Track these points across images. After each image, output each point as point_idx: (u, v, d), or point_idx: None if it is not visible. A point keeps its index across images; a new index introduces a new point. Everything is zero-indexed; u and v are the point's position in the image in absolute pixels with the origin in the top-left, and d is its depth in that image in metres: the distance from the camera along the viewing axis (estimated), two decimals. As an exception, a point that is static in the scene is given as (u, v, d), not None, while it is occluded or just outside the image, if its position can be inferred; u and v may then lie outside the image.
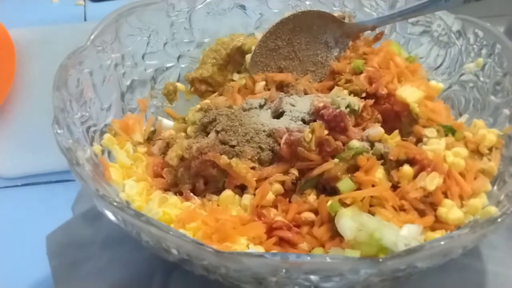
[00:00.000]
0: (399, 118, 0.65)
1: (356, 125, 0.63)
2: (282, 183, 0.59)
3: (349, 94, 0.65)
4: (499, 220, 0.49)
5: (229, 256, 0.46)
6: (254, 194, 0.58)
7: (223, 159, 0.59)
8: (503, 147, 0.62)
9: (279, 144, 0.60)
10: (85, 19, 1.13)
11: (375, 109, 0.65)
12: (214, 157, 0.59)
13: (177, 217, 0.56)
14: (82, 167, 0.55)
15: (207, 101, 0.69)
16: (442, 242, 0.47)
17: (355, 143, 0.60)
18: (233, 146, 0.60)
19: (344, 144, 0.60)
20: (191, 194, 0.60)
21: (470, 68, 0.69)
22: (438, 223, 0.57)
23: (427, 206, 0.57)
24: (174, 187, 0.62)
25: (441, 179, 0.58)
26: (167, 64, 0.76)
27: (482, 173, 0.61)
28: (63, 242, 0.67)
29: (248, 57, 0.72)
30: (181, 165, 0.61)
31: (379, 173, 0.59)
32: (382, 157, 0.60)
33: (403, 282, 0.59)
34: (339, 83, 0.68)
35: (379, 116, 0.65)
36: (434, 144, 0.61)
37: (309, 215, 0.58)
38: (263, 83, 0.69)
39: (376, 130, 0.62)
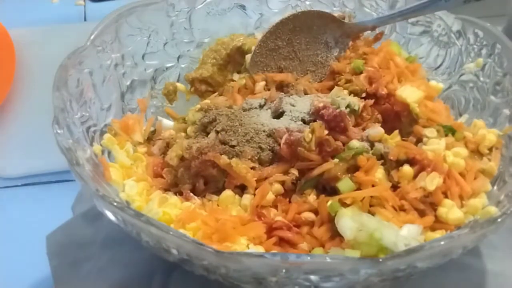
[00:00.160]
0: (399, 118, 0.65)
1: (356, 125, 0.63)
2: (282, 183, 0.59)
3: (349, 94, 0.65)
4: (499, 220, 0.49)
5: (229, 256, 0.46)
6: (254, 194, 0.58)
7: (223, 159, 0.59)
8: (503, 147, 0.62)
9: (279, 144, 0.60)
10: (85, 19, 1.13)
11: (375, 109, 0.65)
12: (214, 157, 0.59)
13: (177, 217, 0.56)
14: (82, 167, 0.55)
15: (207, 101, 0.69)
16: (442, 242, 0.47)
17: (355, 143, 0.60)
18: (233, 146, 0.60)
19: (344, 144, 0.60)
20: (191, 194, 0.60)
21: (470, 68, 0.69)
22: (438, 223, 0.57)
23: (427, 206, 0.57)
24: (174, 187, 0.62)
25: (441, 179, 0.58)
26: (167, 64, 0.76)
27: (482, 173, 0.61)
28: (63, 242, 0.67)
29: (248, 57, 0.72)
30: (181, 165, 0.61)
31: (379, 173, 0.59)
32: (382, 157, 0.60)
33: (403, 282, 0.59)
34: (339, 83, 0.68)
35: (379, 116, 0.65)
36: (434, 144, 0.61)
37: (309, 215, 0.58)
38: (263, 83, 0.69)
39: (376, 130, 0.62)
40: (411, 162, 0.59)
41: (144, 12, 0.72)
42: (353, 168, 0.59)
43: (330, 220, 0.56)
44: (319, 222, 0.57)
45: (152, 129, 0.69)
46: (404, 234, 0.54)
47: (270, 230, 0.56)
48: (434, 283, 0.60)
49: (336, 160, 0.59)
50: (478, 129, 0.63)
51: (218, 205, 0.59)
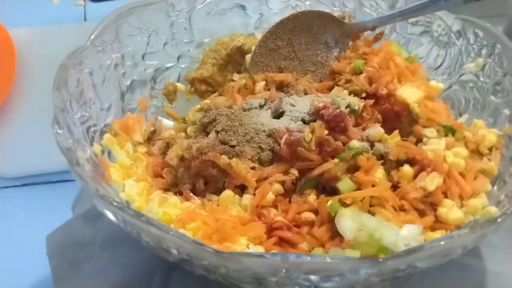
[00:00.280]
0: (399, 118, 0.65)
1: (356, 125, 0.63)
2: (282, 183, 0.59)
3: (349, 94, 0.65)
4: (499, 220, 0.49)
5: (229, 256, 0.46)
6: (254, 194, 0.58)
7: (223, 159, 0.59)
8: (503, 147, 0.62)
9: (279, 144, 0.60)
10: (85, 19, 1.13)
11: (375, 109, 0.65)
12: (214, 157, 0.59)
13: (177, 217, 0.56)
14: (82, 167, 0.55)
15: (207, 101, 0.69)
16: (442, 242, 0.47)
17: (355, 143, 0.60)
18: (233, 146, 0.60)
19: (344, 144, 0.60)
20: (191, 194, 0.60)
21: (470, 68, 0.69)
22: (438, 223, 0.57)
23: (427, 206, 0.57)
24: (174, 187, 0.62)
25: (441, 179, 0.58)
26: (167, 64, 0.76)
27: (482, 173, 0.61)
28: (63, 242, 0.67)
29: (248, 57, 0.72)
30: (181, 165, 0.61)
31: (379, 173, 0.59)
32: (382, 157, 0.60)
33: (403, 282, 0.59)
34: (339, 83, 0.68)
35: (379, 116, 0.65)
36: (434, 144, 0.61)
37: (309, 215, 0.57)
38: (263, 83, 0.69)
39: (376, 130, 0.62)
40: (411, 162, 0.59)
41: (144, 12, 0.72)
42: (353, 168, 0.59)
43: (330, 220, 0.56)
44: (319, 222, 0.57)
45: (152, 129, 0.69)
46: (404, 234, 0.54)
47: (270, 230, 0.56)
48: (434, 283, 0.60)
49: (336, 160, 0.59)
50: (478, 129, 0.63)
51: (218, 205, 0.59)
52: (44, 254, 0.66)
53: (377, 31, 0.74)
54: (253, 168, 0.59)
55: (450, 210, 0.57)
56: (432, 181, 0.57)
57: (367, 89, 0.65)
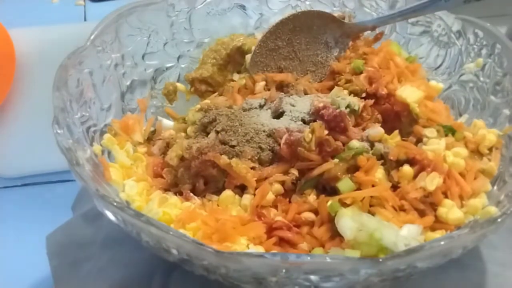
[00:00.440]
0: (399, 118, 0.65)
1: (356, 125, 0.63)
2: (282, 183, 0.59)
3: (349, 94, 0.65)
4: (499, 220, 0.49)
5: (229, 256, 0.46)
6: (254, 194, 0.58)
7: (223, 159, 0.59)
8: (503, 147, 0.62)
9: (279, 144, 0.60)
10: (85, 19, 1.13)
11: (375, 109, 0.65)
12: (214, 157, 0.59)
13: (177, 217, 0.56)
14: (82, 167, 0.55)
15: (207, 101, 0.69)
16: (442, 242, 0.47)
17: (355, 143, 0.60)
18: (233, 146, 0.60)
19: (344, 144, 0.60)
20: (191, 194, 0.60)
21: (470, 68, 0.69)
22: (438, 223, 0.57)
23: (427, 206, 0.57)
24: (174, 187, 0.62)
25: (441, 179, 0.58)
26: (167, 64, 0.76)
27: (482, 173, 0.61)
28: (63, 242, 0.67)
29: (248, 57, 0.72)
30: (181, 165, 0.61)
31: (379, 173, 0.59)
32: (382, 157, 0.60)
33: (403, 282, 0.59)
34: (339, 83, 0.68)
35: (379, 116, 0.65)
36: (434, 144, 0.61)
37: (309, 215, 0.57)
38: (263, 83, 0.69)
39: (376, 130, 0.62)
40: (411, 162, 0.59)
41: (144, 12, 0.72)
42: (353, 168, 0.59)
43: (330, 220, 0.56)
44: (319, 222, 0.57)
45: (152, 129, 0.69)
46: (404, 234, 0.54)
47: (270, 230, 0.56)
48: (434, 283, 0.60)
49: (336, 160, 0.59)
50: (478, 129, 0.63)
51: (218, 205, 0.59)
52: (44, 254, 0.66)
53: (377, 31, 0.74)
54: (253, 168, 0.59)
55: (450, 210, 0.57)
56: (432, 181, 0.57)
57: (367, 89, 0.65)
